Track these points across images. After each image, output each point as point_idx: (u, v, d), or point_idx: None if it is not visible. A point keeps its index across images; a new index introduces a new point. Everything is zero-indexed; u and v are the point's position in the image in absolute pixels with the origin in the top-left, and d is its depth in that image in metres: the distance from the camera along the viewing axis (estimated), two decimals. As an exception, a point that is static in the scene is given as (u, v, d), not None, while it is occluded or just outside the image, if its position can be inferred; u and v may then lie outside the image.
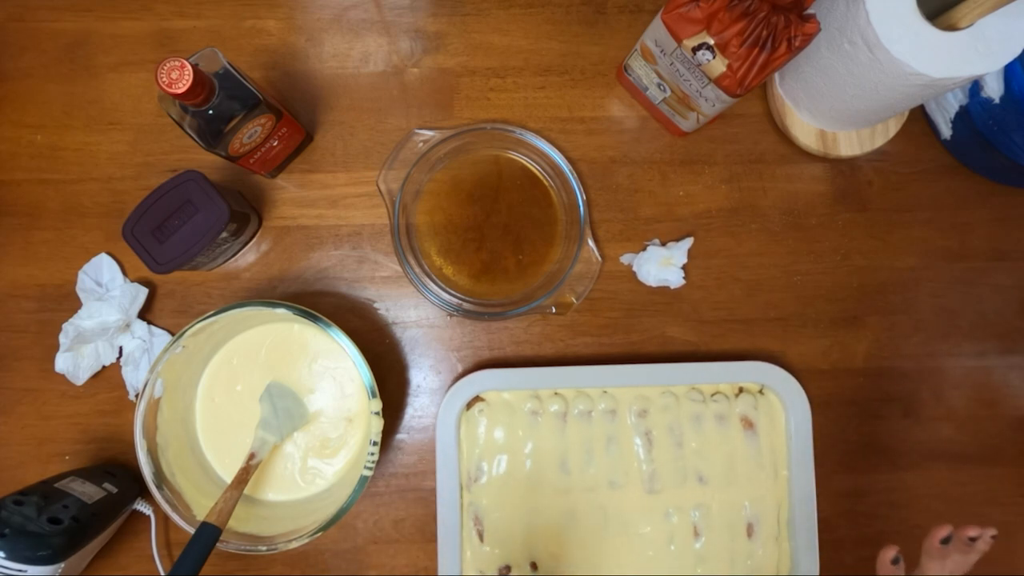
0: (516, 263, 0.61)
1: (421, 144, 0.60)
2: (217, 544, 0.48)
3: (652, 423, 0.58)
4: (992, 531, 0.47)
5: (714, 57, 0.49)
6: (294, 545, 0.50)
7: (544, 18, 0.64)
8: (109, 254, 0.60)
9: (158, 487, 0.51)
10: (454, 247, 0.61)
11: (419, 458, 0.60)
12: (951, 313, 0.63)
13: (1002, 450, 0.62)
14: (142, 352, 0.58)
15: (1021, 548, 0.62)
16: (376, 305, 0.61)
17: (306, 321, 0.52)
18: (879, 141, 0.62)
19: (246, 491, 0.53)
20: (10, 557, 0.47)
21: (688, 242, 0.61)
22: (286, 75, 0.63)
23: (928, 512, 0.61)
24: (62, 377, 0.58)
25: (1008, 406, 0.63)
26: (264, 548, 0.50)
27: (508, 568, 0.57)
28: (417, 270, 0.59)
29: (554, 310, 0.59)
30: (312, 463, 0.57)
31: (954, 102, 0.60)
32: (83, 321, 0.56)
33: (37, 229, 0.60)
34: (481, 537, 0.57)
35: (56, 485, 0.52)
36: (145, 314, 0.60)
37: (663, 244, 0.62)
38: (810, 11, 0.49)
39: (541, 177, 0.62)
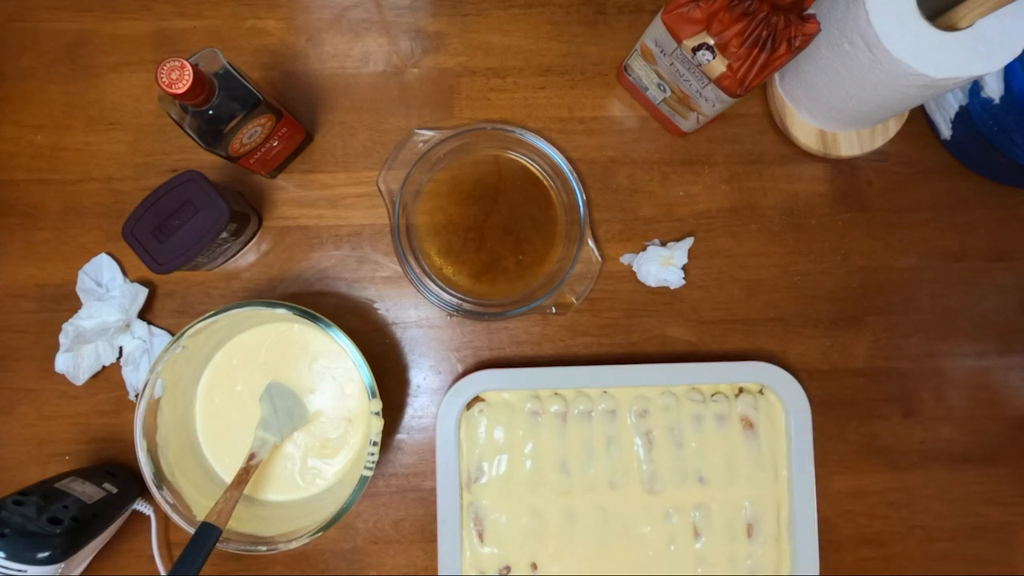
0: (516, 263, 0.61)
1: (421, 144, 0.60)
2: (217, 544, 0.48)
3: (652, 423, 0.58)
4: None
5: (714, 57, 0.49)
6: (294, 545, 0.50)
7: (544, 18, 0.64)
8: (109, 254, 0.60)
9: (158, 487, 0.51)
10: (454, 247, 0.61)
11: (419, 458, 0.60)
12: (951, 313, 0.63)
13: (1002, 450, 0.62)
14: (142, 352, 0.58)
15: (1021, 548, 0.62)
16: (376, 305, 0.61)
17: (306, 321, 0.52)
18: (879, 141, 0.62)
19: (246, 491, 0.53)
20: (10, 557, 0.47)
21: (688, 242, 0.61)
22: (286, 75, 0.63)
23: (928, 512, 0.61)
24: (62, 377, 0.58)
25: (1008, 406, 0.63)
26: (264, 548, 0.50)
27: (508, 568, 0.57)
28: (417, 270, 0.59)
29: (554, 310, 0.59)
30: (312, 463, 0.57)
31: (954, 102, 0.60)
32: (83, 321, 0.56)
33: (37, 229, 0.60)
34: (481, 537, 0.57)
35: (56, 485, 0.51)
36: (145, 314, 0.60)
37: (663, 244, 0.62)
38: (810, 11, 0.49)
39: (541, 177, 0.62)
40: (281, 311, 0.51)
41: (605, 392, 0.59)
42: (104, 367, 0.59)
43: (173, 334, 0.59)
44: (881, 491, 0.62)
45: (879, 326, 0.63)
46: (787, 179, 0.63)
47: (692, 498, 0.58)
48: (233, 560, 0.58)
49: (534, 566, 0.57)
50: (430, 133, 0.60)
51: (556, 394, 0.58)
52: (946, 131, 0.62)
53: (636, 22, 0.64)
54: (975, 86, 0.58)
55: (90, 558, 0.53)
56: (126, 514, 0.56)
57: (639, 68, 0.58)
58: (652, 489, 0.58)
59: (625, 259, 0.62)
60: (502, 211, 0.61)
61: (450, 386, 0.58)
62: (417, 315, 0.61)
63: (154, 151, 0.61)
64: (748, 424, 0.59)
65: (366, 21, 0.63)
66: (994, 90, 0.56)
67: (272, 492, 0.57)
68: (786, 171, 0.63)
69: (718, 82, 0.50)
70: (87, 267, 0.59)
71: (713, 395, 0.59)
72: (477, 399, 0.58)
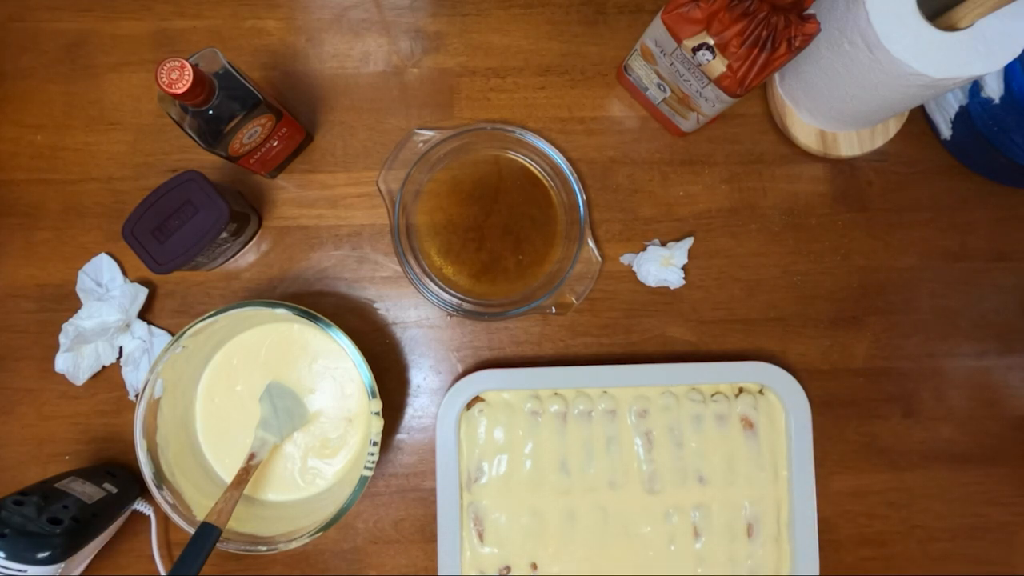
0: (516, 263, 0.61)
1: (421, 144, 0.60)
2: (217, 544, 0.48)
3: (652, 423, 0.58)
4: None
5: (714, 57, 0.49)
6: (294, 545, 0.50)
7: (544, 18, 0.64)
8: (109, 254, 0.60)
9: (158, 487, 0.51)
10: (454, 247, 0.61)
11: (419, 458, 0.60)
12: (951, 313, 0.63)
13: (1002, 450, 0.62)
14: (142, 352, 0.58)
15: (1021, 548, 0.62)
16: (376, 305, 0.61)
17: (306, 321, 0.52)
18: (879, 141, 0.62)
19: (246, 491, 0.53)
20: (10, 557, 0.47)
21: (688, 242, 0.61)
22: (286, 75, 0.63)
23: (928, 512, 0.61)
24: (62, 377, 0.58)
25: (1008, 406, 0.63)
26: (264, 548, 0.50)
27: (508, 568, 0.57)
28: (417, 270, 0.59)
29: (554, 310, 0.59)
30: (312, 463, 0.57)
31: (954, 102, 0.60)
32: (83, 321, 0.56)
33: (37, 229, 0.60)
34: (481, 537, 0.57)
35: (56, 485, 0.51)
36: (145, 314, 0.60)
37: (663, 244, 0.62)
38: (810, 11, 0.49)
39: (541, 177, 0.62)
40: (281, 311, 0.51)
41: (605, 392, 0.59)
42: (104, 367, 0.59)
43: (173, 334, 0.59)
44: (881, 491, 0.62)
45: (879, 326, 0.63)
46: (787, 179, 0.63)
47: (692, 498, 0.58)
48: (233, 560, 0.58)
49: (534, 566, 0.57)
50: (430, 133, 0.60)
51: (556, 394, 0.58)
52: (946, 131, 0.62)
53: (636, 22, 0.64)
54: (975, 86, 0.58)
55: (90, 558, 0.53)
56: (126, 514, 0.56)
57: (639, 68, 0.58)
58: (652, 489, 0.58)
59: (625, 259, 0.62)
60: (502, 211, 0.61)
61: (450, 386, 0.58)
62: (417, 315, 0.61)
63: (154, 151, 0.61)
64: (748, 424, 0.59)
65: (366, 21, 0.63)
66: (994, 90, 0.56)
67: (272, 492, 0.57)
68: (786, 171, 0.63)
69: (718, 82, 0.50)
70: (87, 267, 0.59)
71: (713, 395, 0.59)
72: (477, 399, 0.58)
